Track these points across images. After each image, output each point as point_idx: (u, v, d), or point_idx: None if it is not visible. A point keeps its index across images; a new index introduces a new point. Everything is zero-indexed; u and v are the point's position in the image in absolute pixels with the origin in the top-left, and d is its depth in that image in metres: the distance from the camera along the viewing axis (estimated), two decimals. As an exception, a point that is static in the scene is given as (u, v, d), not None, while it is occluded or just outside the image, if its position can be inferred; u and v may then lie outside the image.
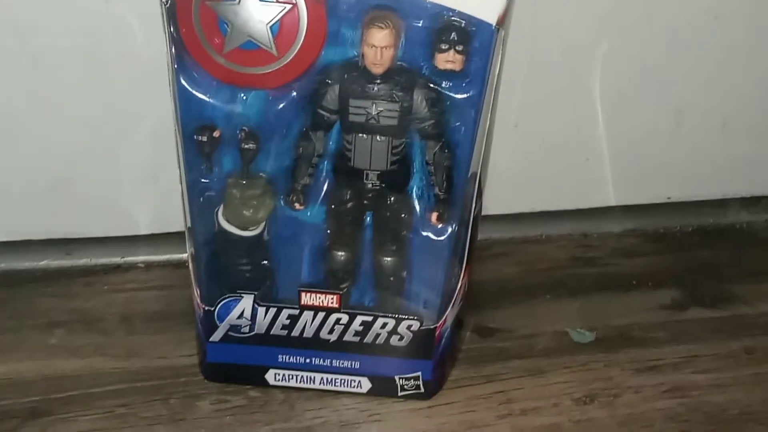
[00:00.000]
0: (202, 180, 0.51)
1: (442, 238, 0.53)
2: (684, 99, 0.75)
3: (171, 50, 0.47)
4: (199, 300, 0.56)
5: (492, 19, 0.45)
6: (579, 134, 0.74)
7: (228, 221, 0.53)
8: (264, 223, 0.53)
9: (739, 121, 0.78)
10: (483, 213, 0.58)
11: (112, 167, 0.68)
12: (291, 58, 0.48)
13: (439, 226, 0.52)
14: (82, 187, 0.69)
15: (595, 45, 0.70)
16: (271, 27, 0.46)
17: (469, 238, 0.55)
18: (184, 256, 0.56)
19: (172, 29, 0.47)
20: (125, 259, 0.71)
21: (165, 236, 0.71)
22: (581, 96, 0.72)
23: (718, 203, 0.83)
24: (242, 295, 0.55)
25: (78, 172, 0.68)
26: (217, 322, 0.55)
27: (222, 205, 0.53)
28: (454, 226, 0.53)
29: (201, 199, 0.52)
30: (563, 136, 0.74)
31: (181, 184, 0.52)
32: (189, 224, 0.54)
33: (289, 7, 0.46)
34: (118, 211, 0.70)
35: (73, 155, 0.67)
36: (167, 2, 0.45)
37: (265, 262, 0.55)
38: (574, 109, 0.73)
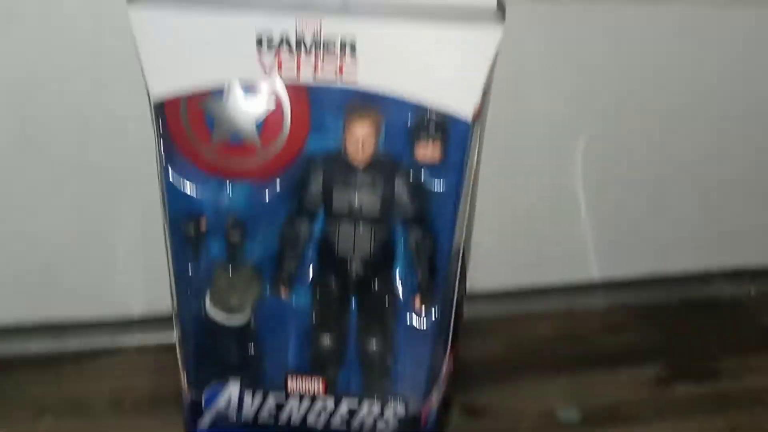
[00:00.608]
0: (189, 270, 0.52)
1: (427, 323, 0.54)
2: (664, 173, 0.77)
3: (159, 146, 0.49)
4: (186, 385, 0.56)
5: (467, 114, 0.46)
6: (562, 213, 0.76)
7: (215, 308, 0.54)
8: (250, 309, 0.54)
9: (718, 197, 0.80)
10: (468, 292, 0.59)
11: (103, 251, 0.69)
12: (276, 150, 0.49)
13: (423, 311, 0.53)
14: (73, 271, 0.69)
15: (573, 131, 0.72)
16: (256, 122, 0.48)
17: (453, 319, 0.56)
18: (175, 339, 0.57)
19: (160, 125, 0.48)
20: (116, 343, 0.72)
21: (157, 319, 0.71)
22: (562, 176, 0.74)
23: (702, 277, 0.84)
24: (229, 379, 0.55)
25: (68, 257, 0.69)
26: (204, 409, 0.55)
27: (209, 293, 0.54)
28: (438, 309, 0.54)
29: (188, 287, 0.53)
30: (546, 215, 0.75)
31: (169, 272, 0.53)
32: (176, 310, 0.54)
33: (273, 103, 0.48)
34: (110, 294, 0.71)
35: (63, 240, 0.68)
36: (155, 100, 0.47)
37: (252, 347, 0.55)
38: (556, 189, 0.75)
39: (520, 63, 0.66)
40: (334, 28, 0.44)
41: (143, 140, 0.62)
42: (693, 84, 0.73)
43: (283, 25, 0.44)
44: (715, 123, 0.76)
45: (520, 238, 0.76)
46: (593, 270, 0.80)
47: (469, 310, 0.63)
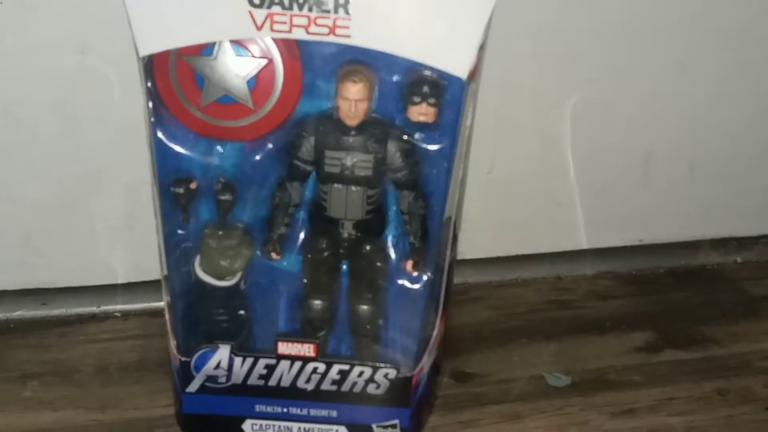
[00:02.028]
0: (179, 231, 0.52)
1: (418, 285, 0.53)
2: (651, 145, 0.77)
3: (148, 104, 0.48)
4: (175, 350, 0.55)
5: (462, 73, 0.46)
6: (551, 180, 0.76)
7: (205, 271, 0.53)
8: (241, 272, 0.54)
9: (705, 166, 0.80)
10: (458, 258, 0.59)
11: (87, 218, 0.68)
12: (267, 111, 0.48)
13: (415, 274, 0.53)
14: (57, 237, 0.69)
15: (564, 96, 0.72)
16: (247, 81, 0.47)
17: (444, 284, 0.55)
18: (161, 304, 0.56)
19: (149, 84, 0.47)
20: (101, 308, 0.71)
21: (141, 285, 0.71)
22: (552, 144, 0.74)
23: (688, 245, 0.84)
24: (219, 345, 0.54)
25: (53, 223, 0.68)
26: (194, 373, 0.55)
27: (199, 256, 0.53)
28: (429, 273, 0.53)
29: (177, 249, 0.52)
30: (536, 183, 0.75)
31: (158, 234, 0.53)
32: (165, 275, 0.54)
33: (265, 61, 0.47)
34: (94, 260, 0.70)
35: (47, 206, 0.67)
36: (144, 58, 0.46)
37: (242, 312, 0.55)
38: (546, 156, 0.74)
39: (511, 24, 0.65)
40: (327, -17, 0.43)
41: (127, 107, 0.61)
42: (683, 56, 0.73)
43: (276, -21, 0.43)
44: (706, 94, 0.76)
45: (510, 204, 0.76)
46: (582, 239, 0.80)
47: (458, 276, 0.63)
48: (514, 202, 0.76)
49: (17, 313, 0.70)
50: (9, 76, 0.61)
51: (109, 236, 0.69)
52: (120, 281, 0.71)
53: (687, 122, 0.77)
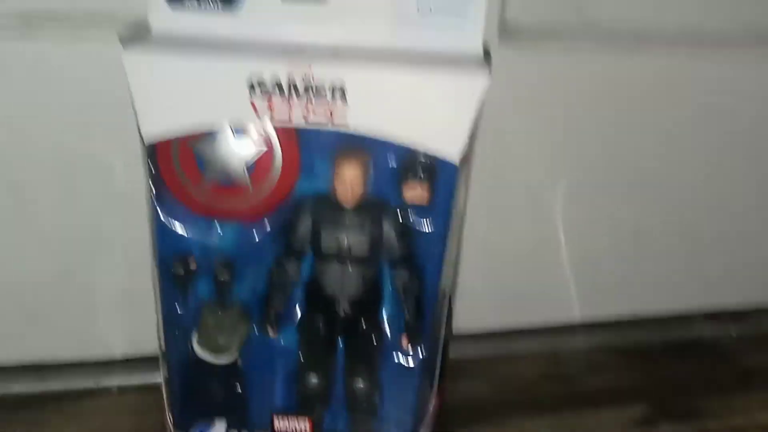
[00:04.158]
0: (178, 309, 0.53)
1: (413, 362, 0.54)
2: (641, 219, 0.78)
3: (150, 186, 0.49)
4: (171, 426, 0.56)
5: (455, 158, 0.47)
6: (544, 254, 0.77)
7: (202, 348, 0.54)
8: (238, 349, 0.54)
9: (696, 239, 0.81)
10: (453, 332, 0.59)
11: (87, 292, 0.69)
12: (266, 192, 0.50)
13: (410, 351, 0.54)
14: (56, 312, 0.69)
15: (554, 175, 0.74)
16: (247, 164, 0.49)
17: (440, 359, 0.56)
18: (158, 380, 0.57)
19: (151, 166, 0.49)
20: (99, 383, 0.71)
21: (139, 360, 0.71)
22: (544, 219, 0.75)
23: (682, 318, 0.85)
24: (215, 420, 0.55)
25: (52, 297, 0.69)
26: (190, 451, 0.55)
27: (196, 332, 0.54)
28: (424, 349, 0.54)
29: (176, 326, 0.53)
30: (529, 257, 0.76)
31: (157, 311, 0.53)
32: (163, 350, 0.54)
33: (264, 145, 0.49)
34: (92, 335, 0.70)
35: (47, 280, 0.68)
36: (148, 142, 0.48)
37: (239, 388, 0.55)
38: (538, 231, 0.76)
39: (503, 108, 0.67)
40: (324, 74, 0.45)
41: (128, 184, 0.63)
42: (672, 131, 0.75)
43: (275, 70, 0.45)
44: (695, 168, 0.78)
45: (504, 279, 0.77)
46: (575, 311, 0.81)
47: (454, 350, 0.63)
48: (508, 276, 0.77)
49: (15, 388, 0.70)
50: (15, 154, 0.63)
51: (108, 311, 0.70)
52: (118, 356, 0.71)
53: (677, 195, 0.79)
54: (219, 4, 0.48)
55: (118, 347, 0.71)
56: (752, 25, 0.72)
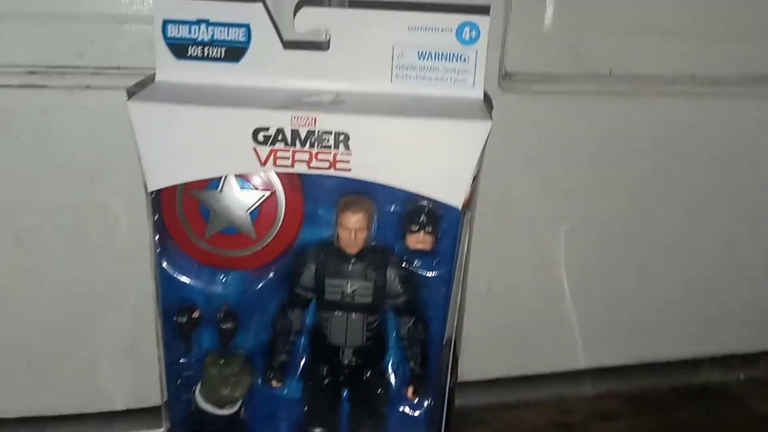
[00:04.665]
0: (181, 360, 0.52)
1: (419, 412, 0.53)
2: (645, 261, 0.78)
3: (154, 236, 0.49)
4: (174, 480, 0.55)
5: (458, 203, 0.47)
6: (548, 299, 0.76)
7: (205, 399, 0.53)
8: (241, 400, 0.54)
9: (702, 282, 0.81)
10: (459, 379, 0.59)
11: (89, 343, 0.68)
12: (269, 240, 0.50)
13: (416, 400, 0.53)
14: (58, 363, 0.68)
15: (557, 217, 0.74)
16: (250, 213, 0.49)
17: (446, 408, 0.55)
18: (160, 431, 0.56)
19: (156, 216, 0.49)
20: (100, 436, 0.70)
21: (141, 411, 0.70)
22: (547, 263, 0.75)
23: (689, 363, 0.84)
24: (218, 474, 0.54)
25: (54, 348, 0.68)
26: (192, 505, 0.54)
27: (199, 384, 0.53)
28: (430, 400, 0.53)
29: (179, 377, 0.53)
30: (533, 302, 0.76)
31: (160, 362, 0.53)
32: (166, 402, 0.54)
33: (267, 194, 0.49)
34: (95, 386, 0.70)
35: (50, 331, 0.68)
36: (153, 192, 0.48)
37: (242, 440, 0.55)
38: (542, 275, 0.75)
39: (503, 153, 0.68)
40: (328, 124, 0.46)
41: (132, 236, 0.63)
42: (673, 172, 0.75)
43: (279, 121, 0.45)
44: (697, 211, 0.78)
45: (509, 325, 0.76)
46: (581, 357, 0.80)
47: (459, 398, 0.63)
48: (513, 321, 0.77)
49: (15, 441, 0.69)
50: (21, 203, 0.63)
51: (111, 362, 0.69)
52: (119, 408, 0.70)
53: (680, 238, 0.79)
54: (223, 53, 0.49)
55: (121, 399, 0.71)
56: (747, 68, 0.73)
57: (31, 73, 0.59)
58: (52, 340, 0.68)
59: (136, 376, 0.69)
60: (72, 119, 0.61)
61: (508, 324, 0.76)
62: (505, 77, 0.66)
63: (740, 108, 0.74)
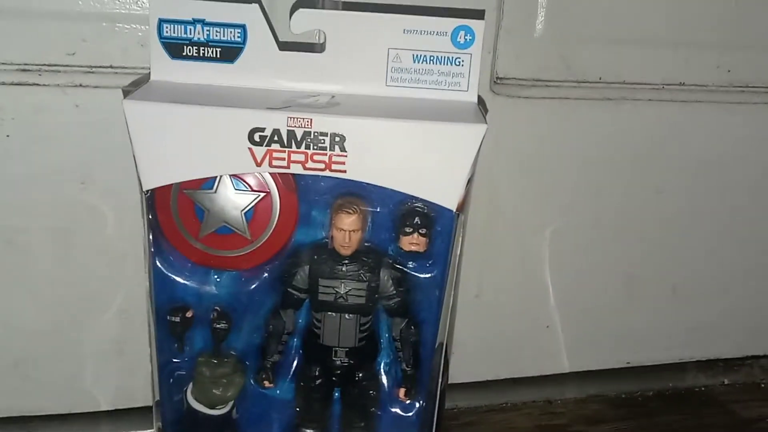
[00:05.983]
0: (174, 360, 0.52)
1: (411, 413, 0.54)
2: (632, 267, 0.79)
3: (148, 235, 0.49)
4: (163, 480, 0.55)
5: (452, 205, 0.48)
6: (536, 304, 0.77)
7: (197, 400, 0.53)
8: (233, 401, 0.54)
9: (688, 287, 0.82)
10: (449, 381, 0.59)
11: (76, 344, 0.68)
12: (264, 241, 0.50)
13: (407, 401, 0.53)
14: (45, 363, 0.68)
15: (543, 222, 0.74)
16: (245, 213, 0.49)
17: (436, 410, 0.55)
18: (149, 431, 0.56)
19: (150, 215, 0.49)
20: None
21: (128, 411, 0.69)
22: (534, 268, 0.75)
23: (675, 367, 0.85)
24: (209, 474, 0.54)
25: (41, 349, 0.68)
26: (182, 506, 0.54)
27: (191, 384, 0.53)
28: (421, 401, 0.53)
29: (171, 378, 0.52)
30: (521, 306, 0.76)
31: (152, 362, 0.53)
32: (157, 402, 0.54)
33: (262, 194, 0.49)
34: (82, 387, 0.69)
35: (37, 332, 0.67)
36: (147, 192, 0.48)
37: (234, 440, 0.55)
38: (529, 280, 0.76)
39: (494, 157, 0.68)
40: (324, 126, 0.46)
41: (120, 236, 0.63)
42: (659, 178, 0.76)
43: (276, 122, 0.46)
44: (684, 216, 0.79)
45: (497, 328, 0.77)
46: (568, 361, 0.80)
47: (449, 401, 0.63)
48: (502, 325, 0.77)
49: (1, 441, 0.68)
50: (11, 204, 0.62)
51: (97, 363, 0.69)
52: (106, 408, 0.70)
53: (666, 244, 0.79)
54: (218, 53, 0.49)
55: (108, 399, 0.70)
56: (734, 75, 0.73)
57: (24, 70, 0.58)
58: (39, 340, 0.68)
59: (122, 376, 0.69)
60: (64, 118, 0.60)
61: (497, 327, 0.77)
62: (497, 82, 0.67)
63: (728, 115, 0.75)
